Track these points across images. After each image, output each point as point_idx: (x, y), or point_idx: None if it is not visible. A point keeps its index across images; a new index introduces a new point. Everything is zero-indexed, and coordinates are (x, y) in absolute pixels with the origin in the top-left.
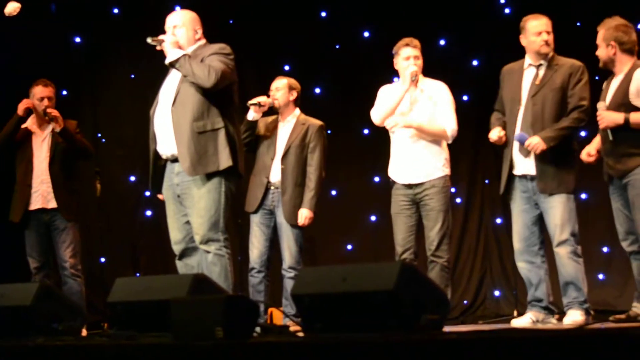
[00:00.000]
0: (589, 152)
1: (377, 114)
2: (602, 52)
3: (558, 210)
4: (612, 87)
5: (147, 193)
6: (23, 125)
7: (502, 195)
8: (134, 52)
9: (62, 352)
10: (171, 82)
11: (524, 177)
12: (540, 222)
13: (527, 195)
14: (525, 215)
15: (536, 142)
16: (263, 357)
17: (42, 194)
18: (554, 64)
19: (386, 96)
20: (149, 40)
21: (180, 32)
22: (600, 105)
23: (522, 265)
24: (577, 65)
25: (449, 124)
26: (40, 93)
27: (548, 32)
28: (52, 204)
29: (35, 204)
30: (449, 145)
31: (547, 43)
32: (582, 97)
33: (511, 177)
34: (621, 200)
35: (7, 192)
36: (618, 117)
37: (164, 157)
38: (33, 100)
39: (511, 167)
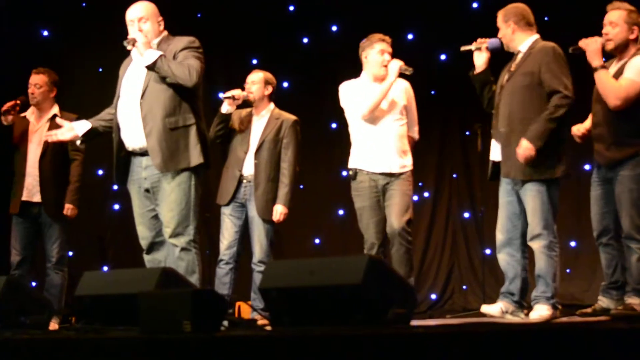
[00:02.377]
0: (580, 129)
1: (364, 107)
2: (621, 34)
3: (530, 204)
4: (610, 72)
5: (115, 186)
6: (22, 114)
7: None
8: (101, 45)
9: (30, 346)
10: (135, 74)
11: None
12: (525, 214)
13: (509, 186)
14: (509, 207)
15: (525, 148)
16: (230, 350)
17: (27, 186)
18: (530, 47)
19: (368, 89)
20: (125, 44)
21: (146, 25)
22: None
23: (502, 257)
24: (548, 46)
25: (416, 132)
26: (31, 80)
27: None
28: (37, 197)
29: (23, 195)
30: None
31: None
32: (557, 80)
33: (495, 164)
34: (600, 190)
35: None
36: (599, 58)
37: (130, 149)
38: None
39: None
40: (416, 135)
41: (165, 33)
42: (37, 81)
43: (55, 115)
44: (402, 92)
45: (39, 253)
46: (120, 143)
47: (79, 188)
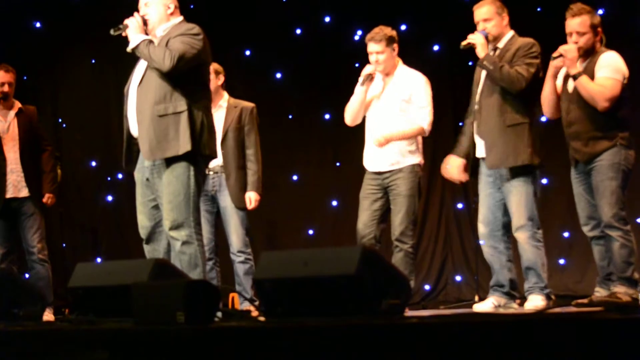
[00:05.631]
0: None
1: (346, 117)
2: (590, 40)
3: (514, 195)
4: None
5: (109, 178)
6: None
7: (470, 179)
8: (94, 36)
9: (23, 338)
10: (142, 63)
11: (484, 159)
12: (505, 206)
13: (490, 179)
14: (490, 200)
15: (479, 39)
16: (224, 341)
17: (12, 183)
18: (509, 43)
19: (353, 97)
20: (112, 32)
21: (151, 9)
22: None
23: (485, 250)
24: (526, 41)
25: (424, 119)
26: (1, 78)
27: (484, 20)
28: (24, 192)
29: (9, 193)
30: None
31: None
32: (525, 67)
33: (476, 160)
34: (583, 185)
35: None
36: (577, 65)
37: (135, 136)
38: None
39: (474, 150)
40: (425, 126)
41: (179, 19)
42: (9, 79)
43: (20, 109)
44: (405, 86)
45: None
46: (129, 131)
47: (54, 177)
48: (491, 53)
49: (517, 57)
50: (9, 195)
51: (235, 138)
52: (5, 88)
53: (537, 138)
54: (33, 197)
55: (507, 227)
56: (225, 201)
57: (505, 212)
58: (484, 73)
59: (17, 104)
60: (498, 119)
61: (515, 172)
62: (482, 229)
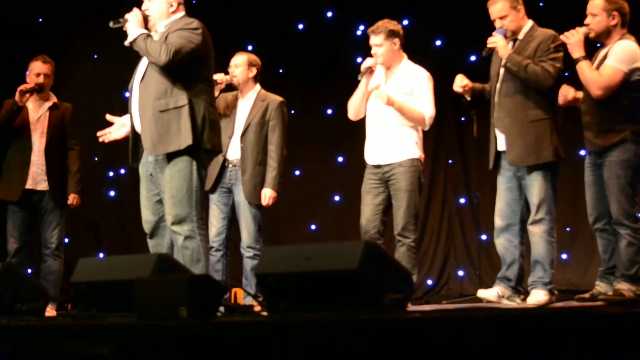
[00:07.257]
0: (568, 93)
1: (349, 111)
2: (601, 23)
3: (535, 188)
4: (598, 58)
5: (111, 173)
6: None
7: (491, 171)
8: (97, 31)
9: (26, 333)
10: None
11: (504, 153)
12: (524, 201)
13: (510, 173)
14: (509, 194)
15: (500, 41)
16: (227, 336)
17: (31, 174)
18: (529, 34)
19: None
20: (111, 24)
21: (153, 5)
22: (582, 30)
23: (500, 243)
24: (548, 34)
25: (427, 111)
26: (38, 69)
27: (500, 18)
28: (42, 186)
29: (27, 183)
30: None
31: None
32: (550, 63)
33: (498, 153)
34: (593, 176)
35: None
36: (580, 49)
37: (139, 132)
38: (30, 76)
39: (496, 143)
40: (426, 117)
41: (181, 14)
42: (47, 70)
43: (55, 104)
44: (407, 80)
45: (34, 240)
46: (134, 127)
47: (81, 178)
48: (510, 45)
49: (540, 51)
50: (27, 186)
51: (257, 132)
52: (41, 79)
53: (559, 132)
54: (54, 193)
55: (523, 222)
56: (239, 196)
57: (524, 206)
58: (501, 67)
59: (54, 98)
60: (520, 115)
61: (537, 167)
62: (498, 222)
